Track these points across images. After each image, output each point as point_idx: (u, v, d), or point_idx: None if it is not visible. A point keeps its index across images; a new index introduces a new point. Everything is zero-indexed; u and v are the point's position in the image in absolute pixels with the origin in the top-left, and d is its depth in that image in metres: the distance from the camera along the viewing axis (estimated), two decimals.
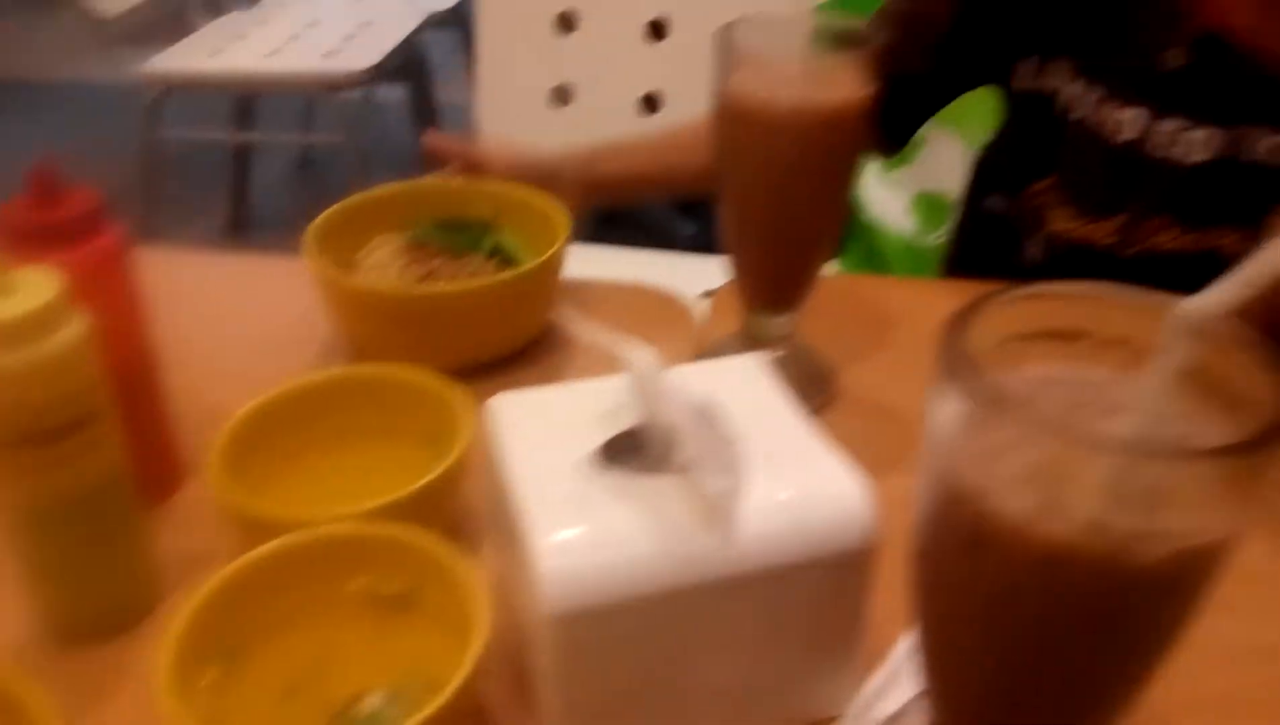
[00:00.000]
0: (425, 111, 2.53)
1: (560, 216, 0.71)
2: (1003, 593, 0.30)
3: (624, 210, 1.87)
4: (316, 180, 2.70)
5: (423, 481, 0.51)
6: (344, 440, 0.57)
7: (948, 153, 1.21)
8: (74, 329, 0.44)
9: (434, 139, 0.80)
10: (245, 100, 2.39)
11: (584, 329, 0.63)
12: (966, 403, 0.29)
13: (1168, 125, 0.73)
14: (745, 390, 0.48)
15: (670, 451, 0.42)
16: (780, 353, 0.66)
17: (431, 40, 2.55)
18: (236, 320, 0.76)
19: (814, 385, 0.66)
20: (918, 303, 0.76)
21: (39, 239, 0.48)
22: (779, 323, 0.66)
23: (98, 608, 0.49)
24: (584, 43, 1.37)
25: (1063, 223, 0.81)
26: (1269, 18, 0.56)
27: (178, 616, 0.43)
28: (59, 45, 3.29)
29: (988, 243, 0.91)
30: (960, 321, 0.30)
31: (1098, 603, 0.29)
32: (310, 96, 2.51)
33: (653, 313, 0.76)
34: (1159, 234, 0.77)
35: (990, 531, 0.29)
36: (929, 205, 1.24)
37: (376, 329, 0.68)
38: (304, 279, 0.69)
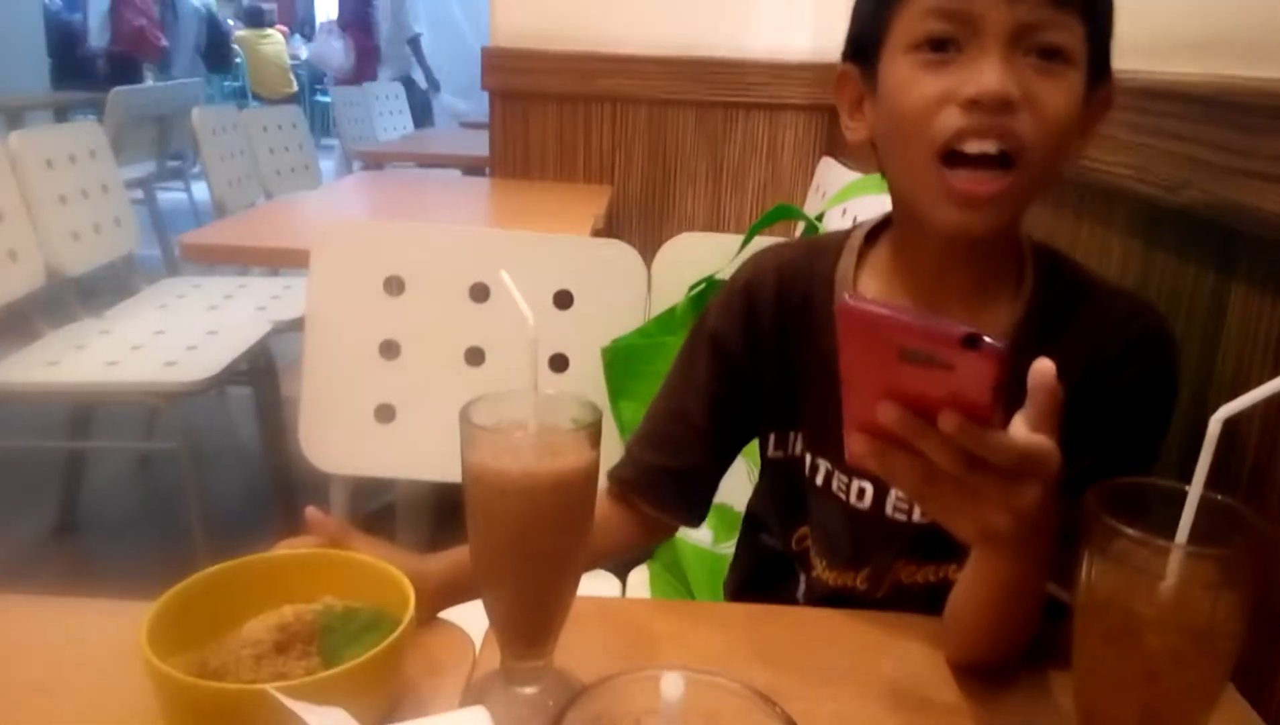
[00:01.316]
0: (270, 407, 2.59)
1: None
2: None
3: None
4: (153, 481, 2.68)
5: None
6: None
7: (737, 469, 1.33)
8: None
9: (312, 513, 0.79)
10: (82, 408, 2.40)
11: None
12: None
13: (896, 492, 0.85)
14: None
15: None
16: (537, 688, 0.71)
17: (278, 343, 2.66)
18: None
19: None
20: (680, 627, 0.84)
21: None
22: (533, 665, 0.71)
23: None
24: (407, 366, 1.48)
25: (820, 571, 0.92)
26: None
27: None
28: None
29: (766, 572, 1.00)
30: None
31: None
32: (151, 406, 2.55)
33: (436, 647, 0.79)
34: (901, 573, 0.88)
35: None
36: (721, 516, 1.34)
37: None
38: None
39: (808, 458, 0.90)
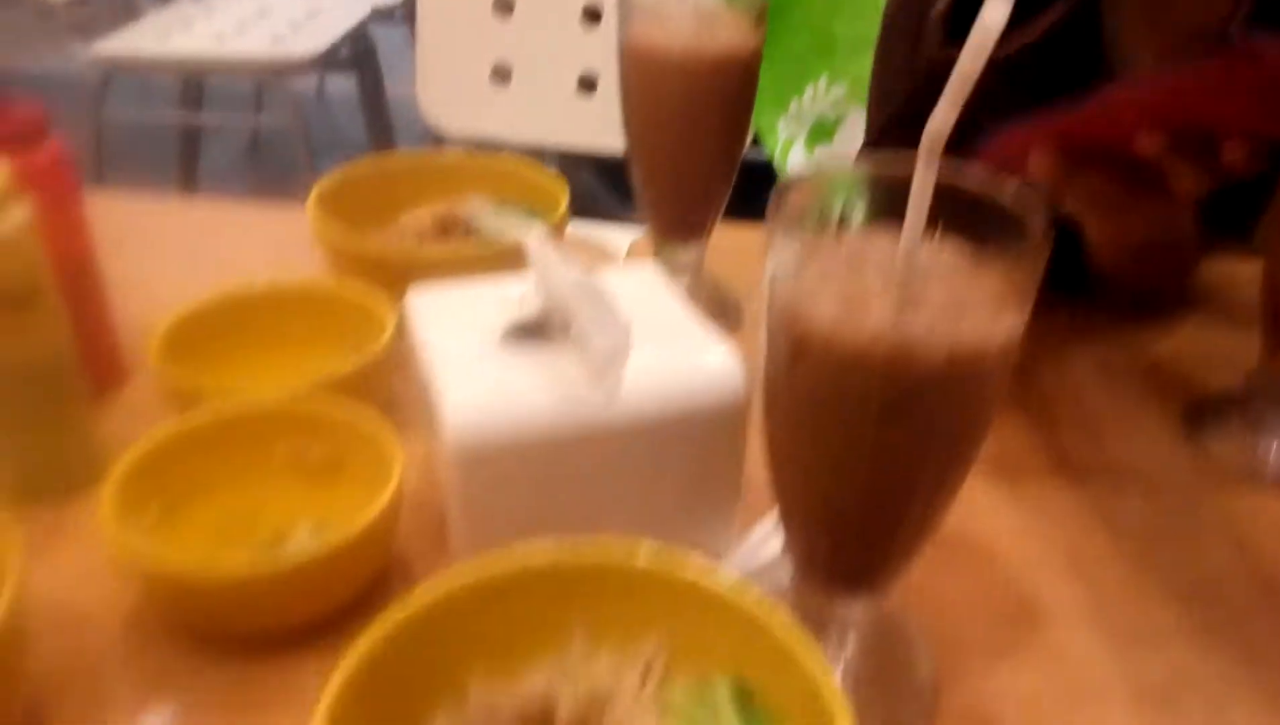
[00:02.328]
0: (375, 103, 2.57)
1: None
2: (819, 396, 0.36)
3: None
4: (265, 165, 2.72)
5: (351, 366, 0.56)
6: (275, 344, 0.61)
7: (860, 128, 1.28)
8: (19, 214, 0.48)
9: None
10: (194, 86, 2.40)
11: (490, 220, 0.68)
12: (794, 247, 0.35)
13: None
14: (638, 285, 0.53)
15: (565, 328, 0.47)
16: (687, 281, 0.71)
17: (382, 35, 2.60)
18: (186, 260, 0.80)
19: (720, 313, 0.71)
20: None
21: None
22: (685, 253, 0.71)
23: (42, 475, 0.53)
24: (522, 26, 1.42)
25: None
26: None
27: (119, 465, 0.47)
28: (5, 36, 3.28)
29: None
30: (786, 190, 0.36)
31: (897, 395, 0.34)
32: (259, 81, 2.54)
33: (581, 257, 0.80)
34: None
35: (805, 342, 0.34)
36: None
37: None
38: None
39: None
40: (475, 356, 0.47)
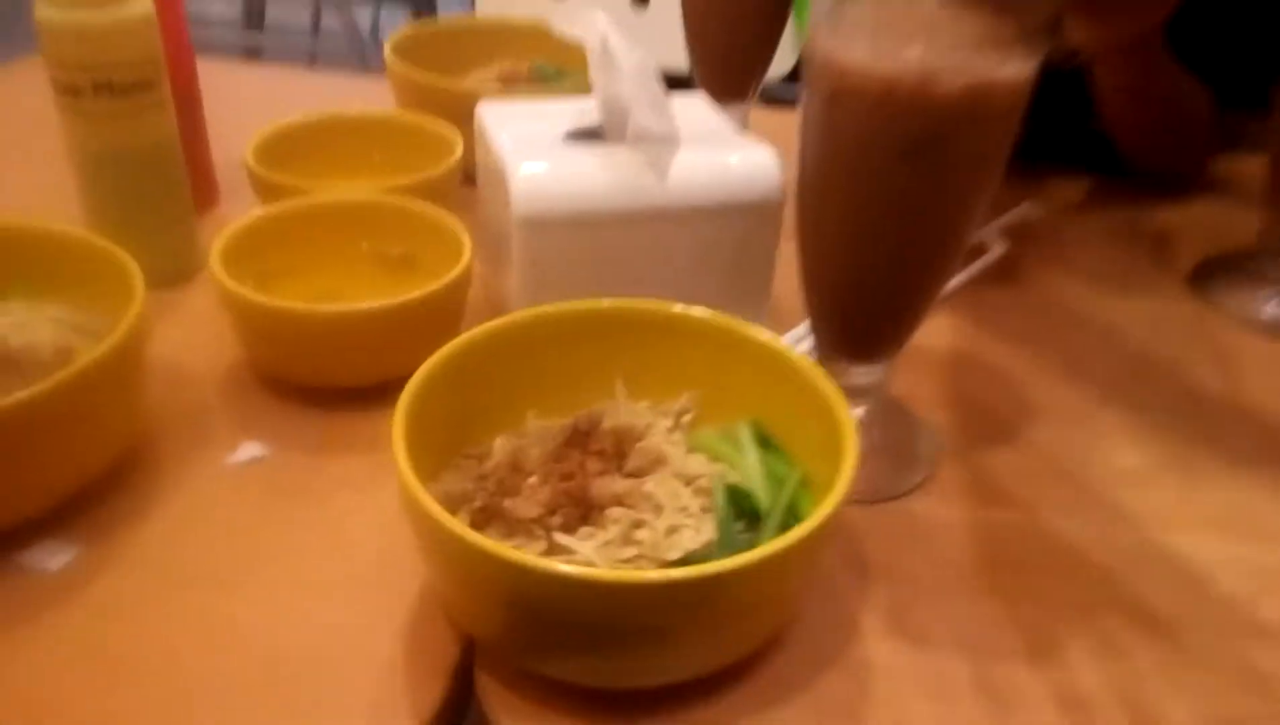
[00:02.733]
0: None
1: None
2: (849, 133, 0.41)
3: None
4: None
5: (426, 175, 0.62)
6: (359, 164, 0.67)
7: None
8: (142, 4, 0.54)
9: None
10: (254, 10, 2.47)
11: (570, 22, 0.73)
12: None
13: None
14: (691, 106, 0.58)
15: (621, 133, 0.53)
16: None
17: None
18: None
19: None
20: None
21: None
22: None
23: (155, 259, 0.58)
24: None
25: None
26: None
27: (221, 237, 0.53)
28: None
29: None
30: None
31: (919, 128, 0.39)
32: (317, 8, 2.59)
33: None
34: None
35: (842, 79, 0.40)
36: None
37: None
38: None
39: None
40: (541, 147, 0.52)
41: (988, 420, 0.55)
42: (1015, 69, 0.39)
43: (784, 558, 0.35)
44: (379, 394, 0.47)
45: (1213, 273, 0.68)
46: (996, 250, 0.68)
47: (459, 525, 0.35)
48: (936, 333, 0.61)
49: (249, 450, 0.50)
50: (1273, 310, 0.64)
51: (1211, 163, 0.81)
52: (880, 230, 0.43)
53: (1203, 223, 0.76)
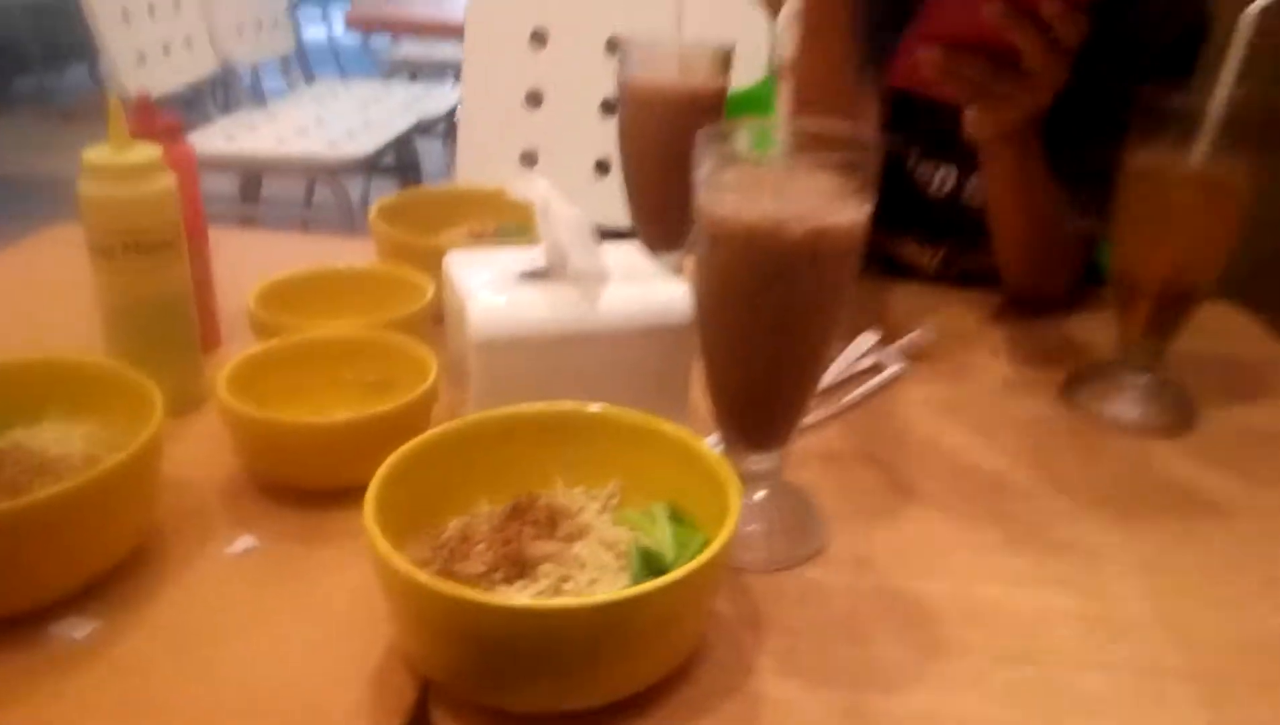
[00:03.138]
0: None
1: None
2: (726, 268, 0.52)
3: None
4: None
5: (400, 313, 0.73)
6: (344, 306, 0.78)
7: None
8: (166, 180, 0.67)
9: None
10: (250, 185, 2.65)
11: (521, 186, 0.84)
12: (713, 162, 0.52)
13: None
14: (621, 250, 0.70)
15: (564, 273, 0.64)
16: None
17: (425, 150, 2.87)
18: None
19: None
20: None
21: (145, 134, 0.70)
22: (668, 259, 0.88)
23: (164, 387, 0.69)
24: (549, 117, 1.64)
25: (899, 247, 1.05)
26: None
27: (225, 368, 0.64)
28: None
29: None
30: (714, 132, 0.53)
31: (773, 266, 0.50)
32: (312, 178, 2.79)
33: None
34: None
35: (718, 226, 0.51)
36: None
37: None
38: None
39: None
40: (493, 284, 0.64)
41: (872, 506, 0.64)
42: (851, 215, 0.50)
43: (680, 586, 0.44)
44: (357, 494, 0.55)
45: (1081, 381, 0.79)
46: (894, 368, 0.79)
47: (419, 573, 0.44)
48: (838, 437, 0.72)
49: (244, 542, 0.59)
50: (1131, 411, 0.75)
51: (1078, 287, 0.94)
52: (755, 344, 0.54)
53: (1073, 340, 0.88)
